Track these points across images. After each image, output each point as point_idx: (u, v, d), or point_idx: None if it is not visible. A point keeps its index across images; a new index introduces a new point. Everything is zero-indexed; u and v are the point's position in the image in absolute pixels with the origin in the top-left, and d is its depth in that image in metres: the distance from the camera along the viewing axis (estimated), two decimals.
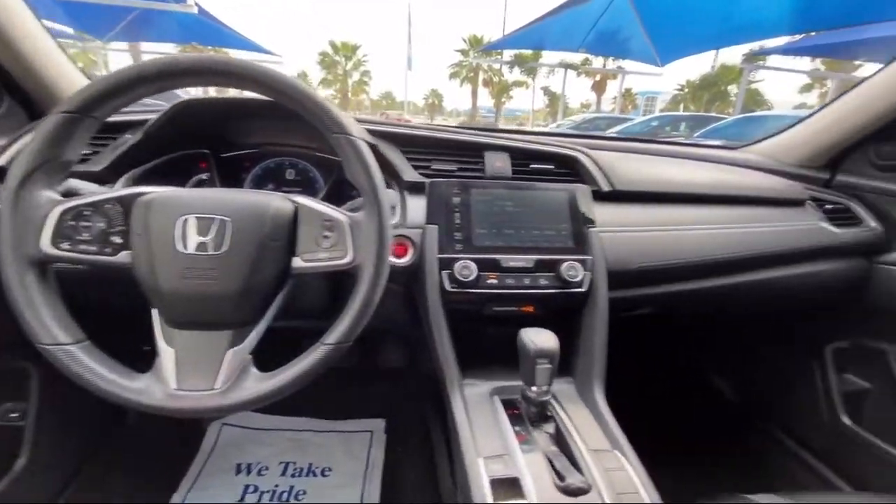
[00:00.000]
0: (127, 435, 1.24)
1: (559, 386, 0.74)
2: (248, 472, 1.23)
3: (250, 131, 0.91)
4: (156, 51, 10.57)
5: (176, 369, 0.52)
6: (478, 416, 0.67)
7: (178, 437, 1.27)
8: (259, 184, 0.94)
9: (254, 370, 0.55)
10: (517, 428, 0.64)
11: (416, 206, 0.78)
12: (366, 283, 0.54)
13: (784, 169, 1.09)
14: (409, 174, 0.80)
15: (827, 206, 1.00)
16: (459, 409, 0.67)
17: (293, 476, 1.23)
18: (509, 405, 0.69)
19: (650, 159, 1.02)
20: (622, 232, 0.82)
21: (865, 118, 0.98)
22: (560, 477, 0.55)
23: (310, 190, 0.94)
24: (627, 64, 13.36)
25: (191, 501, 1.13)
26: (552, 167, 0.86)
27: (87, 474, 1.10)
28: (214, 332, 0.54)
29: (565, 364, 0.76)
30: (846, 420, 1.04)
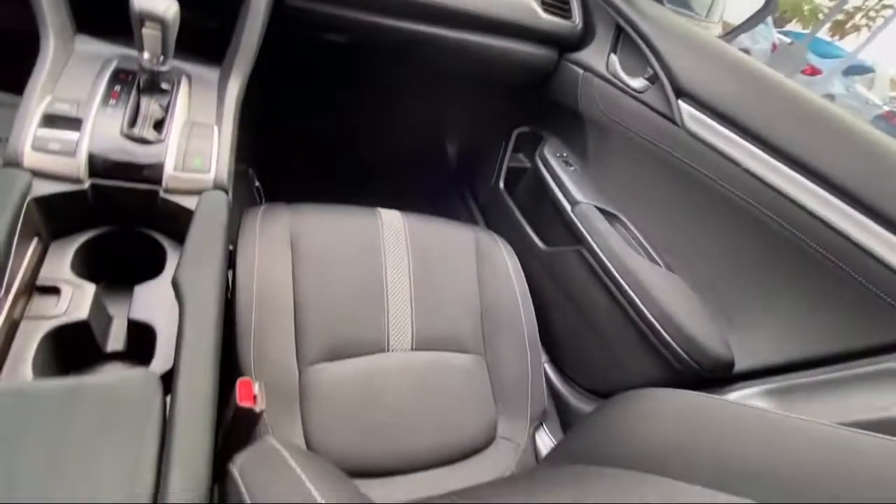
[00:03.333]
0: None
1: (202, 70, 0.68)
2: None
3: None
4: None
5: None
6: (70, 69, 0.58)
7: None
8: None
9: None
10: (117, 87, 0.57)
11: None
12: None
13: None
14: None
15: None
16: (45, 56, 0.55)
17: None
18: (125, 71, 0.60)
19: None
20: None
21: None
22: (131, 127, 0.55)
23: None
24: None
25: None
26: None
27: None
28: None
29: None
30: (501, 185, 1.24)
